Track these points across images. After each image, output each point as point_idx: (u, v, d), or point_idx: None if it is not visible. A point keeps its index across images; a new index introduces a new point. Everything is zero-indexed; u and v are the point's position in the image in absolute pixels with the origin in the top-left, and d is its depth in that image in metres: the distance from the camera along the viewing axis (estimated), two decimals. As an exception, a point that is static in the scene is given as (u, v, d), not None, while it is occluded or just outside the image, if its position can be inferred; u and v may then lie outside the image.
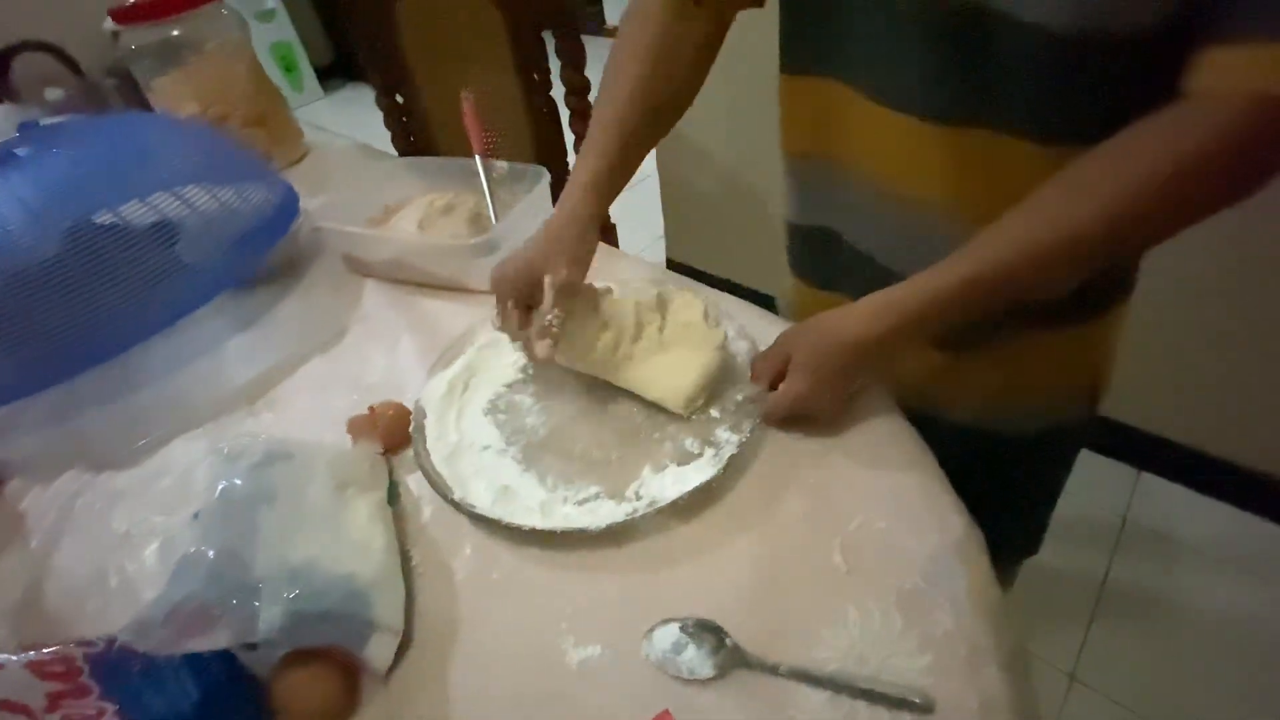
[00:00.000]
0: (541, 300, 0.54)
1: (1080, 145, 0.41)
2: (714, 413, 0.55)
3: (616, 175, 0.57)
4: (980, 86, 0.43)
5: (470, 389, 0.60)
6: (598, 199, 0.56)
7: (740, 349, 0.59)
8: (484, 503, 0.49)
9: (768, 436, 0.53)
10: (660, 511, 0.47)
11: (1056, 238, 0.41)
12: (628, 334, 0.57)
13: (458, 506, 0.49)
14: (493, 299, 0.73)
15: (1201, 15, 0.34)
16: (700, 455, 0.52)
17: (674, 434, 0.54)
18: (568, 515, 0.48)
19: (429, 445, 0.54)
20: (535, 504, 0.50)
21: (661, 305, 0.59)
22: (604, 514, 0.48)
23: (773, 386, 0.52)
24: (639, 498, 0.49)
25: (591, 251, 0.57)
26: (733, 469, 0.50)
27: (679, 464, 0.51)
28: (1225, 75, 0.34)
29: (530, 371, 0.62)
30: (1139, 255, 0.53)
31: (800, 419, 0.52)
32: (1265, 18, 0.32)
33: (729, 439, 0.52)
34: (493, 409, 0.59)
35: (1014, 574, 0.83)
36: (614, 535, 0.47)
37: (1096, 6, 0.36)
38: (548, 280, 0.53)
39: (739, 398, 0.55)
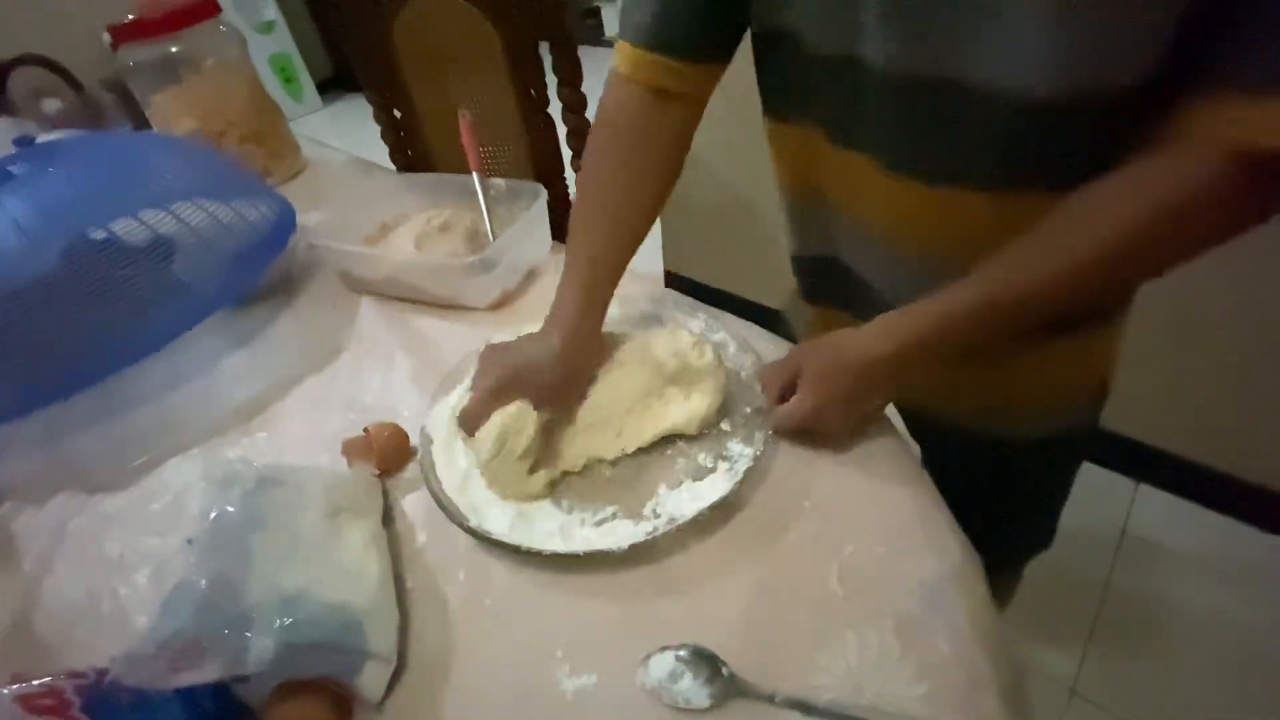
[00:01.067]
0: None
1: (1045, 192, 0.42)
2: (724, 426, 0.55)
3: (602, 309, 0.58)
4: (948, 148, 0.45)
5: None
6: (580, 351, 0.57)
7: (744, 362, 0.60)
8: (501, 528, 0.49)
9: (761, 481, 0.52)
10: (680, 529, 0.47)
11: (1059, 270, 0.42)
12: (638, 400, 0.56)
13: (475, 534, 0.49)
14: (489, 317, 0.74)
15: (1185, 66, 0.35)
16: (714, 470, 0.52)
17: (686, 449, 0.54)
18: (587, 537, 0.48)
19: (440, 474, 0.53)
20: (555, 527, 0.49)
21: (645, 353, 0.58)
22: (624, 534, 0.48)
23: (782, 398, 0.53)
24: (657, 515, 0.49)
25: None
26: (749, 482, 0.50)
27: (694, 480, 0.51)
28: (1213, 128, 0.35)
29: None
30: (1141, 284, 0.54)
31: (807, 433, 0.52)
32: (1252, 72, 0.33)
33: (743, 452, 0.52)
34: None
35: (1020, 577, 0.83)
36: (636, 555, 0.47)
37: (1081, 70, 0.37)
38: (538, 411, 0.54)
39: (748, 410, 0.56)
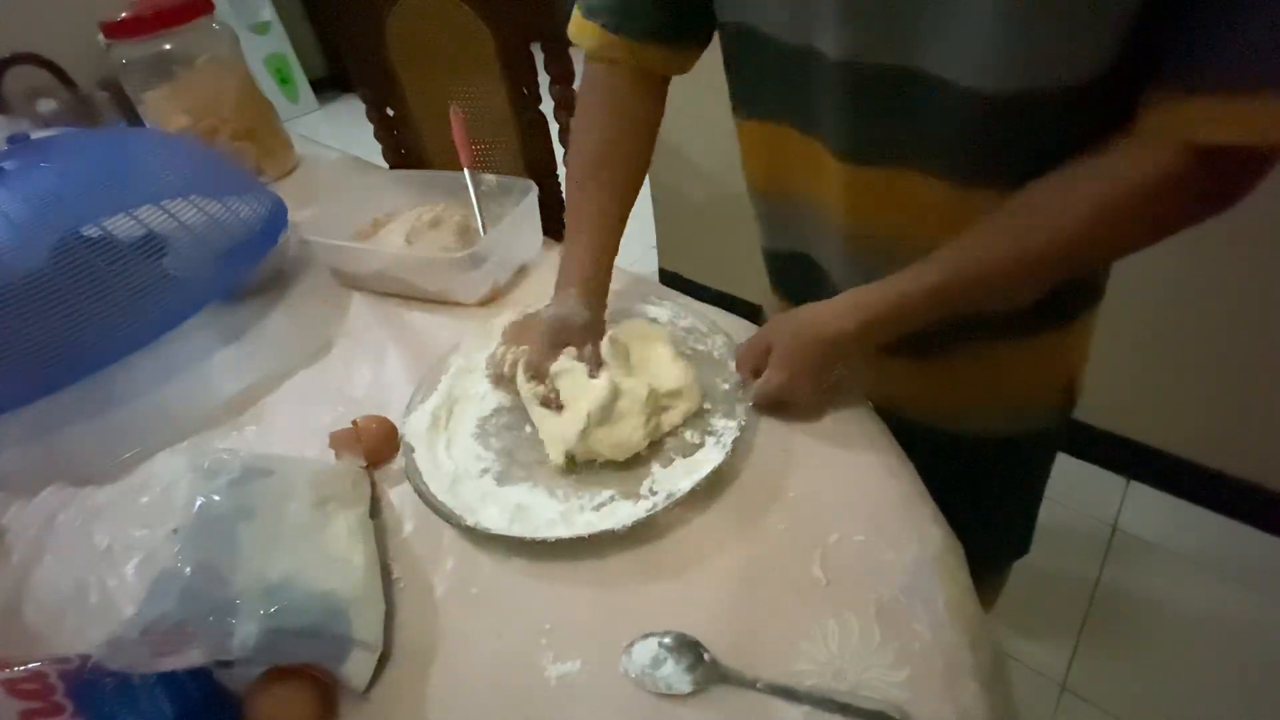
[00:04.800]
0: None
1: (998, 188, 0.43)
2: (705, 404, 0.56)
3: (608, 272, 0.61)
4: (904, 136, 0.46)
5: (454, 417, 0.60)
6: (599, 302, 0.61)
7: (716, 342, 0.62)
8: (500, 524, 0.49)
9: (745, 458, 0.53)
10: (679, 503, 0.48)
11: (1012, 256, 0.44)
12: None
13: (474, 532, 0.49)
14: (480, 313, 0.74)
15: (1141, 64, 0.36)
16: (702, 444, 0.53)
17: (672, 429, 0.55)
18: (589, 522, 0.48)
19: (426, 479, 0.53)
20: (555, 515, 0.49)
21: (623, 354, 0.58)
22: (624, 514, 0.48)
23: (754, 374, 0.55)
24: (654, 493, 0.50)
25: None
26: (738, 454, 0.52)
27: (684, 456, 0.52)
28: (1165, 123, 0.37)
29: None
30: (1095, 270, 0.55)
31: (780, 405, 0.55)
32: (1200, 72, 0.34)
33: (727, 425, 0.54)
34: (482, 433, 0.58)
35: (1005, 577, 0.83)
36: (637, 535, 0.47)
37: (1030, 70, 0.38)
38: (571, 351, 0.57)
39: (725, 387, 0.57)
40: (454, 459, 0.55)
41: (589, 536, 0.46)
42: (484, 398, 0.61)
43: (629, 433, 0.52)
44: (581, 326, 0.57)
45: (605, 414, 0.52)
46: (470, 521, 0.49)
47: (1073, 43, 0.36)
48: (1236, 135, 0.34)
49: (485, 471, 0.54)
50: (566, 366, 0.56)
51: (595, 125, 0.60)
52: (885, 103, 0.44)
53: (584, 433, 0.51)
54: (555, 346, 0.57)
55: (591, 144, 0.60)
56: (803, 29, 0.46)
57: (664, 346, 0.59)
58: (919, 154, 0.46)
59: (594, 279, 0.59)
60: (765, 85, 0.54)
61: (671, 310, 0.66)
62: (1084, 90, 0.38)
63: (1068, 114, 0.40)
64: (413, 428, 0.58)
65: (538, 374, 0.57)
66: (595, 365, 0.56)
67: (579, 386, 0.55)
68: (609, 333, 0.57)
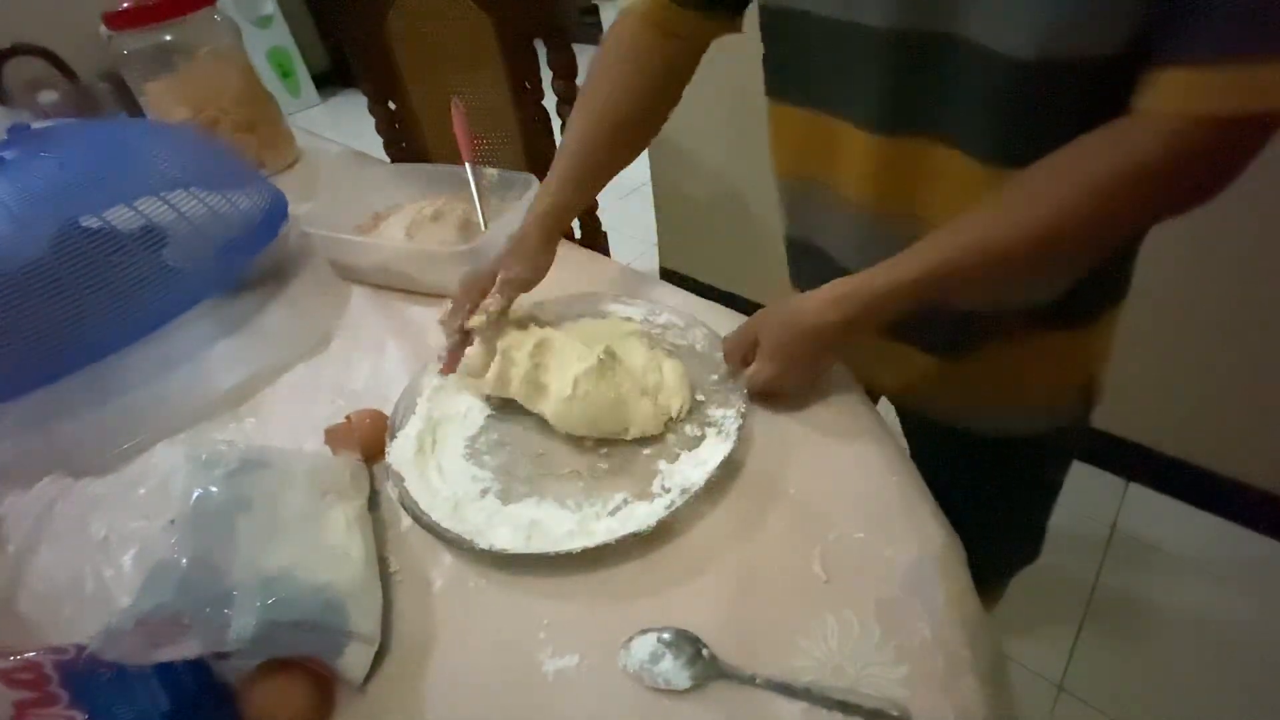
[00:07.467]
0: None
1: (1020, 168, 0.43)
2: (699, 397, 0.56)
3: (573, 204, 0.62)
4: (937, 106, 0.46)
5: (440, 440, 0.57)
6: (553, 226, 0.61)
7: (696, 335, 0.61)
8: (517, 544, 0.46)
9: (748, 450, 0.53)
10: (697, 495, 0.48)
11: (1007, 238, 0.43)
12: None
13: (490, 554, 0.46)
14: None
15: (1151, 40, 0.36)
16: (704, 436, 0.53)
17: (671, 425, 0.55)
18: (610, 528, 0.47)
19: (425, 507, 0.50)
20: (573, 526, 0.47)
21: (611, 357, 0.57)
22: (643, 515, 0.47)
23: (743, 364, 0.55)
24: (667, 490, 0.49)
25: (547, 264, 0.62)
26: (744, 438, 0.51)
27: (688, 449, 0.52)
28: (1165, 95, 0.36)
29: (494, 405, 0.59)
30: (1121, 265, 0.55)
31: (771, 395, 0.55)
32: (1205, 42, 0.34)
33: (725, 414, 0.54)
34: (473, 453, 0.56)
35: (1007, 583, 0.84)
36: (660, 534, 0.47)
37: (1063, 37, 0.38)
38: (500, 274, 0.58)
39: (714, 378, 0.57)
40: (449, 483, 0.53)
41: (615, 543, 0.45)
42: (467, 415, 0.59)
43: (651, 409, 0.53)
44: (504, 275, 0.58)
45: (591, 381, 0.52)
46: (484, 545, 0.46)
47: (1103, 10, 0.36)
48: (1241, 102, 0.34)
49: (486, 492, 0.52)
50: (544, 336, 0.56)
51: (612, 78, 0.60)
52: (923, 72, 0.44)
53: (570, 400, 0.51)
54: (470, 292, 0.58)
55: (605, 96, 0.60)
56: (848, 2, 0.45)
57: (638, 343, 0.59)
58: (950, 125, 0.46)
59: (553, 213, 0.60)
60: (803, 65, 0.54)
61: (645, 309, 0.65)
62: (1110, 64, 0.38)
63: (1093, 90, 0.40)
64: (398, 455, 0.55)
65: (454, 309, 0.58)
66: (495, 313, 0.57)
67: (569, 354, 0.55)
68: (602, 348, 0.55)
